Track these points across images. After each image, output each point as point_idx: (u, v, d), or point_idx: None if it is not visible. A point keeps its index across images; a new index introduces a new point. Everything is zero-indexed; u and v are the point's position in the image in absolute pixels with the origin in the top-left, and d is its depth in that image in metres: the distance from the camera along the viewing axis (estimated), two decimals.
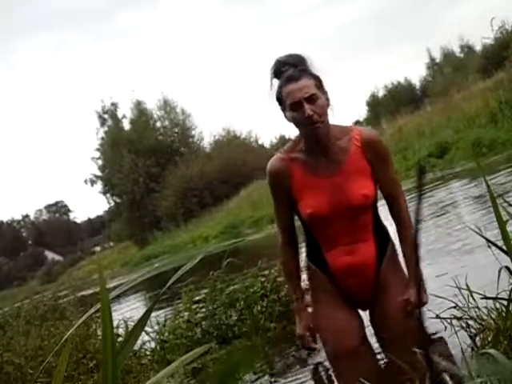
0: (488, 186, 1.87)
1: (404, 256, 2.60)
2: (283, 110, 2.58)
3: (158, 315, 5.18)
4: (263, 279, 3.96)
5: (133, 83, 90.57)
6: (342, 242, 2.55)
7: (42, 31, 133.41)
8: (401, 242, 2.61)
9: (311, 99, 2.47)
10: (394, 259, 2.64)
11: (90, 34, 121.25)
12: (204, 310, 4.02)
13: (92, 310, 1.47)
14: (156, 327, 4.06)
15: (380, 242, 2.59)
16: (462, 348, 2.02)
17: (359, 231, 2.55)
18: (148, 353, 3.82)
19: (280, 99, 2.57)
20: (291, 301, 3.04)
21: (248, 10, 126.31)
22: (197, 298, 4.26)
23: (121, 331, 3.98)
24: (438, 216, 6.32)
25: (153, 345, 3.92)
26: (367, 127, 2.57)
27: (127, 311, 6.90)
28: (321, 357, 2.71)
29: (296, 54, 2.64)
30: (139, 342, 3.84)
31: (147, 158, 36.78)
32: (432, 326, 2.43)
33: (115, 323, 4.00)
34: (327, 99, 2.55)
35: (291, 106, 2.50)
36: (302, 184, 2.58)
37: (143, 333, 4.00)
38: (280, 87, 2.55)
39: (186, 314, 4.05)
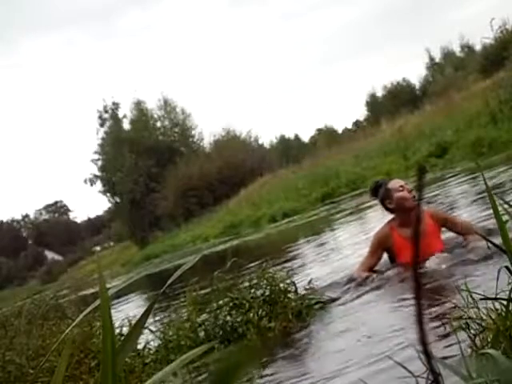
0: (487, 185, 1.87)
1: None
2: (389, 202, 4.25)
3: (163, 314, 5.19)
4: (265, 281, 3.95)
5: (133, 83, 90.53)
6: None
7: (45, 30, 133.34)
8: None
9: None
10: None
11: (92, 33, 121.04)
12: (208, 310, 4.01)
13: (89, 308, 1.47)
14: (161, 326, 4.06)
15: None
16: (461, 348, 2.02)
17: None
18: (152, 352, 3.81)
19: (384, 198, 4.26)
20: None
21: (248, 10, 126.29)
22: (200, 298, 4.25)
23: (125, 331, 3.96)
24: None
25: (156, 344, 3.91)
26: (432, 207, 4.80)
27: (132, 310, 6.90)
28: None
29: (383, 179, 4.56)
30: (143, 341, 3.84)
31: (147, 158, 36.79)
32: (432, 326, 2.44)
33: (119, 323, 4.00)
34: None
35: (399, 188, 4.19)
36: (400, 243, 4.13)
37: (148, 332, 4.00)
38: (384, 190, 4.26)
39: (190, 314, 4.04)
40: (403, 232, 4.16)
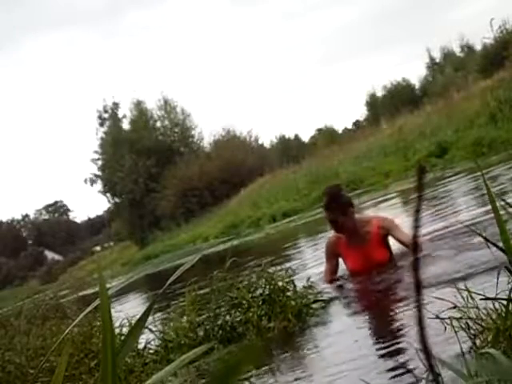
0: (487, 185, 1.87)
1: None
2: None
3: (163, 313, 5.17)
4: (264, 280, 3.95)
5: (133, 83, 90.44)
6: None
7: (46, 29, 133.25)
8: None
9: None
10: None
11: (92, 33, 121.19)
12: (207, 310, 4.00)
13: (89, 308, 1.47)
14: (160, 326, 4.06)
15: None
16: (461, 348, 2.02)
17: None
18: (152, 352, 3.81)
19: None
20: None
21: (248, 10, 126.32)
22: (199, 298, 4.25)
23: (125, 331, 3.96)
24: (437, 215, 6.31)
25: (156, 344, 3.90)
26: (381, 216, 4.67)
27: (132, 310, 6.89)
28: None
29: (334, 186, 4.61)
30: (143, 341, 3.83)
31: (147, 158, 36.79)
32: (431, 326, 2.44)
33: (119, 323, 3.99)
34: (348, 212, 4.29)
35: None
36: (346, 252, 4.39)
37: (148, 332, 4.00)
38: None
39: (189, 314, 4.04)
40: (347, 240, 4.40)
